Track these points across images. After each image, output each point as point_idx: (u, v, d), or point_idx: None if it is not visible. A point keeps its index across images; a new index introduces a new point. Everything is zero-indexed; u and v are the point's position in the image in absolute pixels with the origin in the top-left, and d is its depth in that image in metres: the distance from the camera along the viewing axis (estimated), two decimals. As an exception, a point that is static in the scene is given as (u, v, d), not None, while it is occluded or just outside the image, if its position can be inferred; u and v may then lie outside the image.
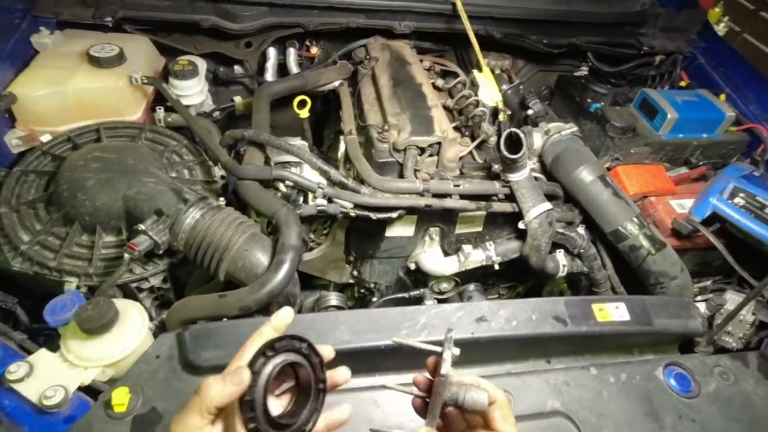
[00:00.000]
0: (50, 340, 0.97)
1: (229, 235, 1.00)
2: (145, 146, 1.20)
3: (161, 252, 1.03)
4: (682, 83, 1.77)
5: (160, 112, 1.40)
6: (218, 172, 1.29)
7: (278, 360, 0.56)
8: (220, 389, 0.53)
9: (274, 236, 1.05)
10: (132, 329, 0.90)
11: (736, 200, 1.21)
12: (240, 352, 0.59)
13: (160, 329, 1.05)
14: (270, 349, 0.56)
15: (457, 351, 0.64)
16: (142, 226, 0.99)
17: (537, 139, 1.36)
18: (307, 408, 0.59)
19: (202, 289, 1.16)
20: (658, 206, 1.32)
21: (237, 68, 1.68)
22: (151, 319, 1.08)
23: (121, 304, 0.93)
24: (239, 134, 1.20)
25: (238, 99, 1.64)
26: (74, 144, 1.18)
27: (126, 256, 0.99)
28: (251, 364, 0.54)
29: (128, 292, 1.08)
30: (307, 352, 0.59)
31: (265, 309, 0.99)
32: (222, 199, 1.18)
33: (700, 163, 1.46)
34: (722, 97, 1.60)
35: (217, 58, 1.63)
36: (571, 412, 0.90)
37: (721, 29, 1.91)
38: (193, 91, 1.43)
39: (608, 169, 1.38)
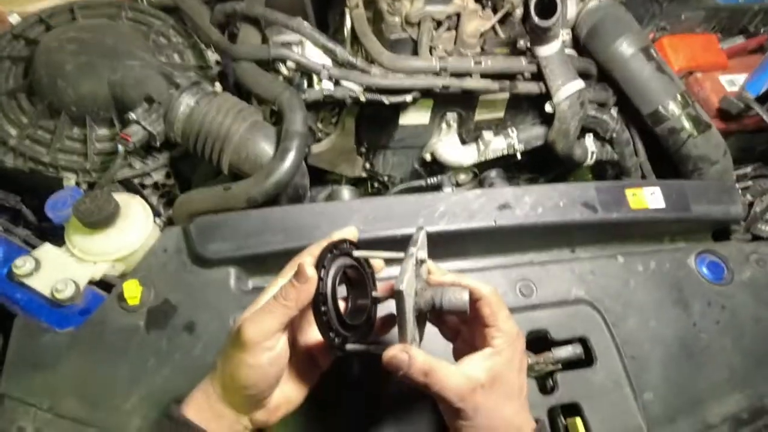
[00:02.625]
0: (61, 238, 0.94)
1: (229, 124, 0.92)
2: (126, 26, 1.06)
3: (158, 144, 0.96)
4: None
5: (142, -12, 1.24)
6: (212, 56, 1.16)
7: (340, 262, 0.55)
8: (296, 292, 0.50)
9: (278, 125, 0.96)
10: (136, 223, 0.86)
11: (800, 72, 1.06)
12: (289, 265, 0.57)
13: (168, 225, 1.02)
14: (334, 248, 0.54)
15: (422, 255, 0.56)
16: (132, 115, 0.91)
17: (571, 6, 1.18)
18: (365, 314, 0.59)
19: (208, 184, 1.10)
20: (704, 83, 1.17)
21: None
22: (158, 215, 1.05)
23: (122, 197, 0.88)
24: (230, 8, 1.05)
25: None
26: (47, 25, 1.04)
27: (120, 147, 0.92)
28: (318, 261, 0.52)
29: (131, 189, 1.03)
30: (363, 261, 0.59)
31: (274, 200, 0.94)
32: (218, 85, 1.07)
33: (760, 32, 1.27)
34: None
35: None
36: (595, 300, 0.86)
37: None
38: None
39: (652, 40, 1.21)
